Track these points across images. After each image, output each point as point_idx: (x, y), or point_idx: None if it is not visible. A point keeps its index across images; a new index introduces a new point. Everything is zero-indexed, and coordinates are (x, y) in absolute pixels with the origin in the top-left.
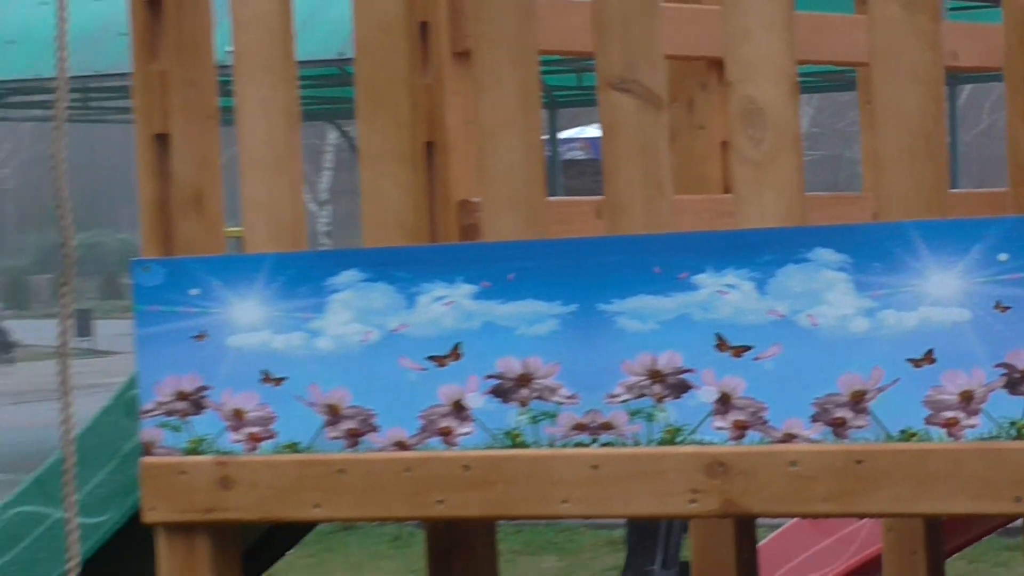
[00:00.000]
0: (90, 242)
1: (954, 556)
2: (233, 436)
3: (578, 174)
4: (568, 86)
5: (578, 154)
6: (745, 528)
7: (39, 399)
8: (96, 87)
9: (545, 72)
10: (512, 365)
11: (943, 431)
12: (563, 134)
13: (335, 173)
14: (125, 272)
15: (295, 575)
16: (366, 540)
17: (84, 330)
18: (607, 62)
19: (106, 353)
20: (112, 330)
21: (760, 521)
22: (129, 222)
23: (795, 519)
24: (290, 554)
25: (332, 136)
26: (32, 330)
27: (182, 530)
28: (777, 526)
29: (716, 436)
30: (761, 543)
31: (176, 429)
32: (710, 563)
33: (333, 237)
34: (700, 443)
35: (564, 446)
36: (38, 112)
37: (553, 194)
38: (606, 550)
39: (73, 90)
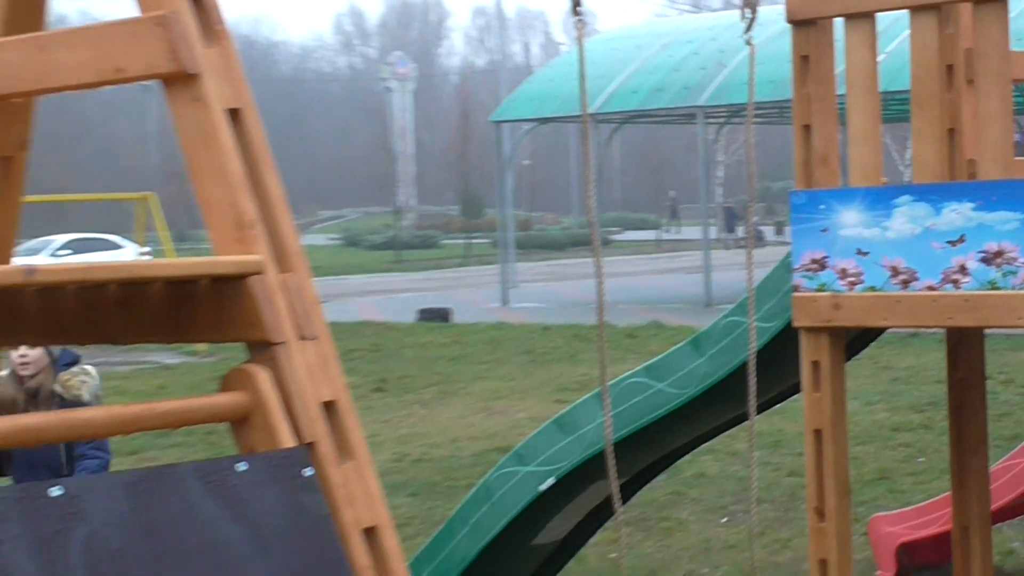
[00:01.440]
0: (786, 187)
1: None
2: (841, 283)
3: None
4: None
5: None
6: None
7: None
8: (783, 105)
9: None
10: (992, 246)
11: None
12: None
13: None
14: None
15: (885, 359)
16: (924, 342)
17: (779, 233)
18: None
19: (785, 244)
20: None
21: None
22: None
23: None
24: (872, 346)
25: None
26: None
27: (814, 331)
28: None
29: None
30: None
31: (811, 279)
32: None
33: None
34: None
35: (1021, 290)
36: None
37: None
38: None
39: (769, 106)
